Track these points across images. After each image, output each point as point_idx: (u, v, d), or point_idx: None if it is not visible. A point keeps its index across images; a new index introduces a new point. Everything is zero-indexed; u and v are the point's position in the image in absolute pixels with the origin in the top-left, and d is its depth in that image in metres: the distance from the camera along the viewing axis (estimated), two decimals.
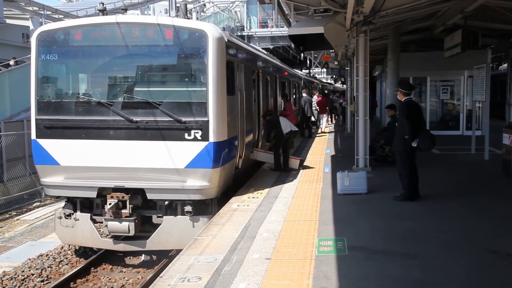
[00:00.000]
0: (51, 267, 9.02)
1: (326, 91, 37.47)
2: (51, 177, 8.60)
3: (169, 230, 8.31)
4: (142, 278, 8.60)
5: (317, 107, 23.62)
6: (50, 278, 8.66)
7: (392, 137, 11.63)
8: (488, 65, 13.26)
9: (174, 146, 8.19)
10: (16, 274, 8.65)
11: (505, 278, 5.15)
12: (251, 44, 18.15)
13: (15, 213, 13.34)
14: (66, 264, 9.24)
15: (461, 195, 9.07)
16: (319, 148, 16.28)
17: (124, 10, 10.51)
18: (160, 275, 5.47)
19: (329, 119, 26.99)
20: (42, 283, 8.48)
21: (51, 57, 8.57)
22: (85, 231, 8.64)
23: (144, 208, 8.52)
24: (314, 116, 24.11)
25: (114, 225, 8.31)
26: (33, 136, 8.61)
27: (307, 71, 41.05)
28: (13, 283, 8.37)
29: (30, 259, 9.32)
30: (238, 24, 38.70)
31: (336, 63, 28.41)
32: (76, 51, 8.73)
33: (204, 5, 39.84)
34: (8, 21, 22.47)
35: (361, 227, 7.05)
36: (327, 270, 5.37)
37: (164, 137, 8.20)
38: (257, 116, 12.32)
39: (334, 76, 49.98)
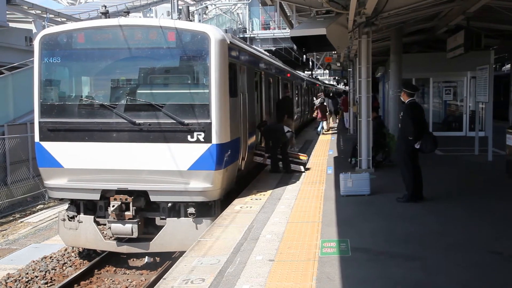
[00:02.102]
0: (55, 269, 9.05)
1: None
2: (55, 179, 8.63)
3: (172, 232, 8.33)
4: (145, 280, 8.61)
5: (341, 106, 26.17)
6: (54, 280, 8.68)
7: (376, 138, 11.71)
8: (491, 66, 13.26)
9: (177, 148, 8.20)
10: (20, 276, 8.68)
11: (509, 280, 5.14)
12: (253, 46, 18.17)
13: (19, 216, 13.39)
14: (70, 266, 9.26)
15: (465, 197, 9.05)
16: (322, 150, 16.28)
17: (127, 12, 10.57)
18: (163, 277, 5.48)
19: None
20: (46, 285, 8.50)
21: (54, 60, 8.59)
22: (89, 233, 8.65)
23: (147, 210, 8.54)
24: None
25: (117, 227, 8.32)
26: (37, 138, 8.64)
27: (310, 72, 41.09)
28: (17, 285, 8.40)
29: (34, 261, 9.34)
30: (240, 26, 38.77)
31: (338, 64, 28.42)
32: (79, 54, 8.75)
33: (206, 7, 39.89)
34: (11, 24, 22.47)
35: (364, 228, 7.05)
36: (330, 272, 5.37)
37: (167, 139, 8.22)
38: (259, 118, 12.33)
39: (336, 78, 49.99)
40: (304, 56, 29.34)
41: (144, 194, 8.36)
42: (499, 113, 21.58)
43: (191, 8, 30.95)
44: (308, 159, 13.21)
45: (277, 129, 11.84)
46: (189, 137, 8.18)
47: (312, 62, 33.73)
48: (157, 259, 9.37)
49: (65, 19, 24.46)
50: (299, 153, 13.08)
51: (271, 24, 39.81)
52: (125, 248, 8.67)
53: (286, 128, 11.88)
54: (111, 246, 8.75)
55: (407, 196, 8.52)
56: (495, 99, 14.65)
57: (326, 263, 5.63)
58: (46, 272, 8.90)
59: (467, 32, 13.70)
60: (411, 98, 8.54)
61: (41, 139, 8.59)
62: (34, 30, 22.61)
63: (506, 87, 23.46)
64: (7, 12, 21.67)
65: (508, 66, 26.17)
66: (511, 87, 21.05)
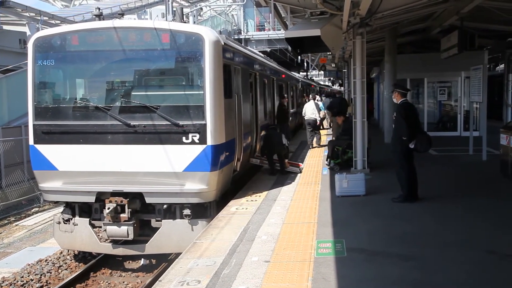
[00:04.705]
0: (50, 272, 9.00)
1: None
2: (50, 182, 8.60)
3: (168, 234, 8.31)
4: (141, 282, 8.59)
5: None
6: (50, 283, 8.64)
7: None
8: (485, 66, 13.31)
9: (172, 149, 8.19)
10: (15, 279, 8.63)
11: (505, 279, 5.16)
12: (248, 47, 18.18)
13: (13, 219, 13.32)
14: (66, 269, 9.22)
15: (460, 196, 9.08)
16: (317, 151, 16.28)
17: (121, 14, 10.52)
18: (159, 279, 5.48)
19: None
20: None
21: (48, 63, 8.57)
22: (84, 235, 8.63)
23: (142, 212, 8.52)
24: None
25: (113, 229, 8.30)
26: (31, 141, 8.61)
27: (305, 73, 41.14)
28: None
29: (29, 265, 9.29)
30: (235, 27, 38.79)
31: (333, 65, 28.54)
32: (73, 56, 8.73)
33: (201, 9, 39.87)
34: (5, 27, 22.40)
35: (359, 229, 7.06)
36: (326, 272, 5.37)
37: (162, 141, 8.20)
38: (254, 119, 12.34)
39: (331, 78, 50.12)
40: (299, 57, 29.39)
41: (139, 196, 8.34)
42: (493, 113, 21.65)
43: (186, 10, 30.92)
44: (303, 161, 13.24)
45: (274, 136, 11.90)
46: (184, 138, 8.17)
47: (307, 63, 33.83)
48: (153, 261, 9.34)
49: (59, 22, 24.34)
50: (299, 163, 13.09)
51: (265, 25, 39.85)
52: (120, 250, 8.65)
53: (284, 140, 11.92)
54: (107, 248, 8.72)
55: (402, 196, 8.54)
56: (489, 99, 14.70)
57: (321, 264, 5.63)
58: (41, 275, 8.85)
59: (460, 33, 13.77)
60: (404, 98, 8.58)
61: (35, 142, 8.56)
62: (28, 33, 22.49)
63: (500, 87, 23.56)
64: (1, 14, 21.58)
65: (502, 66, 26.26)
66: (505, 87, 21.14)
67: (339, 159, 12.01)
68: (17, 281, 8.57)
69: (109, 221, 8.25)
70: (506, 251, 5.94)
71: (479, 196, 8.97)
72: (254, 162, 11.80)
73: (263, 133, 12.66)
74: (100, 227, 8.62)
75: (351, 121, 12.69)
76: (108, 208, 8.17)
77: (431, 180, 10.16)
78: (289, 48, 26.06)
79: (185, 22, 10.37)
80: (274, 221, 7.61)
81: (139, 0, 34.19)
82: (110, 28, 8.43)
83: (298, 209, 8.35)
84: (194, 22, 31.31)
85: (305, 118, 17.19)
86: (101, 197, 8.42)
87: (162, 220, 8.39)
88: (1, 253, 10.36)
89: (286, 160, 12.10)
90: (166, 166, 8.20)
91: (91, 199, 8.47)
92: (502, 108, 22.12)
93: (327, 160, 12.51)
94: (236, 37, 34.90)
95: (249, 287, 5.06)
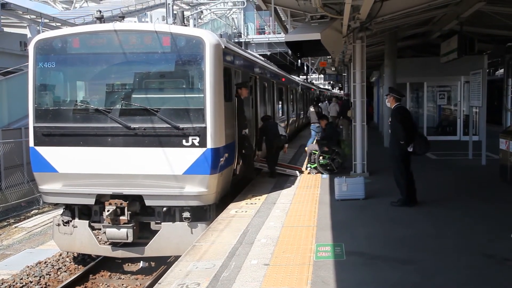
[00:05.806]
0: (50, 275, 9.01)
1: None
2: (49, 184, 8.60)
3: (168, 237, 8.31)
4: (140, 284, 8.59)
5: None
6: (49, 285, 8.65)
7: (334, 143, 11.89)
8: (484, 71, 13.35)
9: (172, 152, 8.20)
10: (14, 281, 8.64)
11: (502, 283, 5.18)
12: (248, 51, 18.22)
13: (13, 221, 13.32)
14: (65, 271, 9.23)
15: (458, 200, 9.09)
16: None
17: (122, 17, 10.56)
18: (158, 282, 5.48)
19: None
20: None
21: (49, 65, 8.58)
22: (84, 238, 8.63)
23: (142, 214, 8.52)
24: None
25: (112, 231, 8.30)
26: (31, 143, 8.62)
27: (305, 77, 41.17)
28: None
29: (28, 267, 9.30)
30: (235, 30, 38.82)
31: (333, 69, 28.53)
32: (74, 58, 8.75)
33: (202, 12, 39.93)
34: (6, 29, 22.48)
35: (359, 232, 7.07)
36: (325, 276, 5.38)
37: (162, 144, 8.22)
38: (254, 122, 12.35)
39: (331, 82, 50.18)
40: (299, 60, 29.39)
41: (139, 198, 8.35)
42: (492, 118, 21.69)
43: (186, 13, 30.98)
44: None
45: (268, 130, 11.81)
46: (184, 141, 8.19)
47: (307, 66, 33.82)
48: (152, 263, 9.34)
49: (60, 24, 24.41)
50: (298, 166, 13.11)
51: (266, 29, 39.86)
52: (120, 253, 8.64)
53: (281, 130, 11.89)
54: (106, 251, 8.72)
55: (401, 200, 8.56)
56: (489, 104, 14.74)
57: (321, 267, 5.64)
58: (40, 277, 8.86)
59: (460, 37, 13.82)
60: (398, 103, 8.61)
61: (35, 144, 8.57)
62: (29, 35, 22.56)
63: (499, 92, 23.61)
64: (2, 17, 21.63)
65: (502, 70, 26.31)
66: (505, 92, 21.19)
67: (315, 164, 12.01)
68: (16, 283, 8.57)
69: (109, 223, 8.25)
70: (504, 255, 5.95)
71: (478, 201, 8.98)
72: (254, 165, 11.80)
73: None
74: (100, 229, 8.63)
75: (333, 126, 12.73)
76: (108, 211, 8.17)
77: (430, 184, 10.18)
78: (289, 51, 26.10)
79: (185, 25, 10.39)
80: (274, 224, 7.62)
81: (140, 3, 34.27)
82: (111, 31, 8.45)
83: (297, 212, 8.36)
84: (195, 25, 31.36)
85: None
86: (100, 199, 8.43)
87: (162, 223, 8.39)
88: (0, 255, 10.36)
89: (286, 164, 12.10)
90: (166, 168, 8.22)
91: (91, 201, 8.47)
92: (501, 112, 22.16)
93: (306, 166, 12.55)
94: (236, 40, 34.93)
95: None
